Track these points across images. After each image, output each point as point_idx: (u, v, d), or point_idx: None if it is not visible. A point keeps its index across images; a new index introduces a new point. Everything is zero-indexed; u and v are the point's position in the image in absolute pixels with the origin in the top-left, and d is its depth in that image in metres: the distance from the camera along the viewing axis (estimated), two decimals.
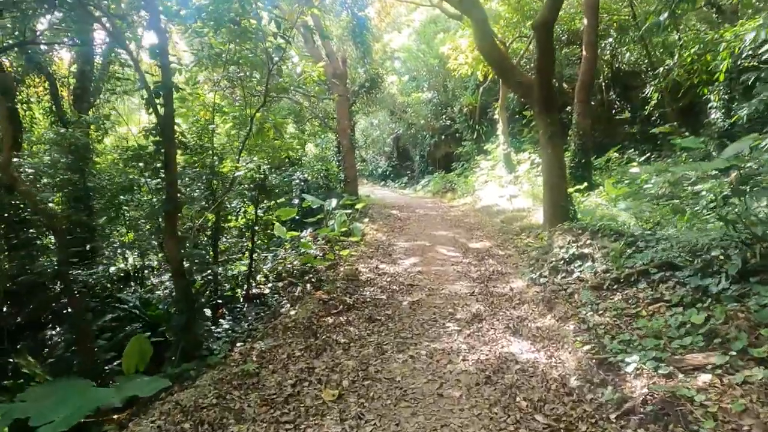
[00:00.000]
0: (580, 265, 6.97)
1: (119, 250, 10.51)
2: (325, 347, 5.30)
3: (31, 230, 9.59)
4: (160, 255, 9.54)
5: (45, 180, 9.97)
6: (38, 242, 9.97)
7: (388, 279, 8.21)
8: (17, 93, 11.64)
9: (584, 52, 13.31)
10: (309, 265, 9.16)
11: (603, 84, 18.77)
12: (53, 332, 5.83)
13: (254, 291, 8.41)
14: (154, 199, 7.10)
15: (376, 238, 11.93)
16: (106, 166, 10.73)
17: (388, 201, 19.66)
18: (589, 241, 7.29)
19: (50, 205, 11.17)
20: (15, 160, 9.22)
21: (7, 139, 4.36)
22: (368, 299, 7.12)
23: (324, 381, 4.48)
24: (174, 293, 5.39)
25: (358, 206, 13.80)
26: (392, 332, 5.73)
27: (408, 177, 28.23)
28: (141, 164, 6.80)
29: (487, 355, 4.87)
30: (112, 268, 11.06)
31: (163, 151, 5.03)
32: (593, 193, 12.54)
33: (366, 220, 14.03)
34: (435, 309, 6.55)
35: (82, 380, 3.08)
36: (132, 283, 10.27)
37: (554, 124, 9.65)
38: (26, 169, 9.25)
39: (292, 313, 6.52)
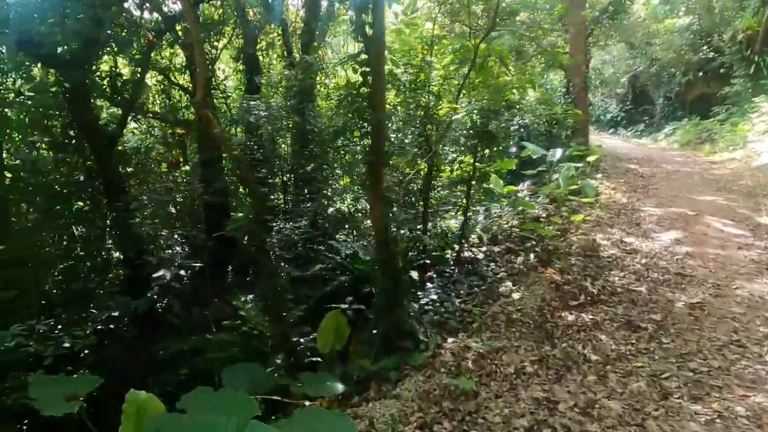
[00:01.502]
0: None
1: (335, 196, 10.42)
2: (568, 364, 3.68)
3: (263, 170, 10.02)
4: None
5: (273, 123, 10.26)
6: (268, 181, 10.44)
7: (643, 261, 5.98)
8: (258, 41, 12.16)
9: None
10: (531, 229, 7.43)
11: None
12: (245, 299, 5.52)
13: (466, 254, 7.12)
14: (366, 144, 6.18)
15: (615, 200, 9.41)
16: (326, 109, 10.58)
17: (621, 152, 16.15)
18: None
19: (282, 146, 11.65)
20: (252, 102, 9.55)
21: (202, 77, 3.78)
22: (619, 289, 5.14)
23: None
24: (375, 264, 4.36)
25: (590, 158, 11.21)
26: (671, 355, 3.76)
27: (645, 124, 23.15)
28: (351, 102, 5.90)
29: None
30: (330, 209, 11.10)
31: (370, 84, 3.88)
32: None
33: (599, 175, 11.40)
34: (734, 323, 4.26)
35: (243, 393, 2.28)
36: (346, 226, 9.98)
37: None
38: (260, 112, 9.48)
39: (516, 296, 5.00)
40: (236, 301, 5.99)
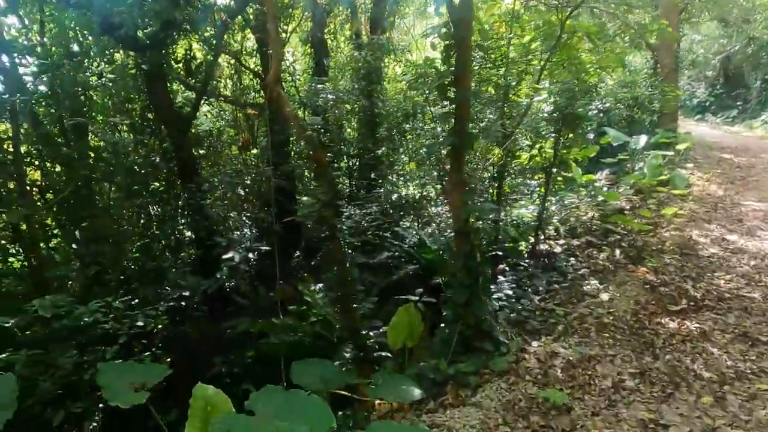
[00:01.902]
0: None
1: (400, 181, 10.13)
2: (675, 381, 3.17)
3: (329, 154, 9.89)
4: (438, 186, 8.60)
5: (341, 106, 10.08)
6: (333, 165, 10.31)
7: (752, 262, 5.22)
8: (326, 24, 11.98)
9: None
10: (615, 222, 6.75)
11: None
12: (313, 286, 5.33)
13: (541, 247, 6.59)
14: (438, 128, 5.80)
15: (710, 192, 8.43)
16: (393, 93, 10.25)
17: (711, 140, 14.63)
18: None
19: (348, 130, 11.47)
20: (320, 86, 9.40)
21: (276, 55, 3.56)
22: (727, 294, 4.48)
23: None
24: (446, 255, 4.02)
25: (680, 146, 10.14)
26: None
27: (738, 110, 20.88)
28: (426, 81, 5.51)
29: None
30: (394, 195, 10.84)
31: (453, 59, 3.49)
32: None
33: (689, 165, 10.32)
34: None
35: (316, 398, 2.06)
36: (411, 213, 9.66)
37: None
38: (327, 96, 9.31)
39: (605, 297, 4.47)
40: (303, 287, 5.87)
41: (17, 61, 6.39)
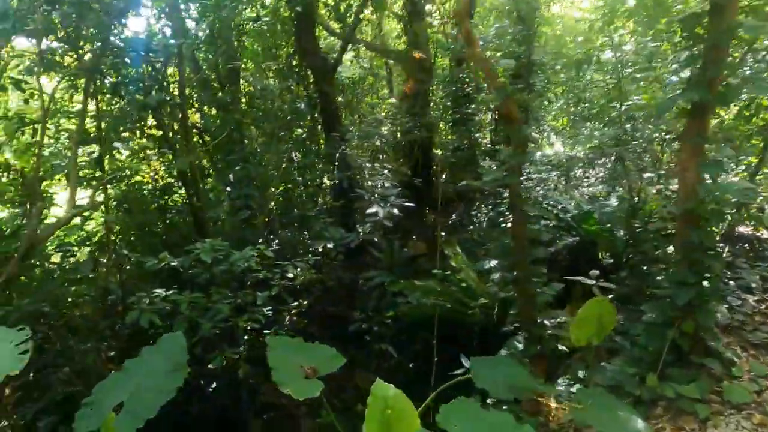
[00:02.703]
0: None
1: (550, 138, 9.01)
2: None
3: (472, 106, 9.05)
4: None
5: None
6: (474, 119, 9.46)
7: None
8: None
9: None
10: None
11: None
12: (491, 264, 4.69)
13: (741, 229, 5.27)
14: (673, 77, 4.66)
15: None
16: (553, 37, 8.94)
17: None
18: None
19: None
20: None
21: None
22: None
23: None
24: (675, 246, 3.13)
25: None
26: None
27: None
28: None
29: None
30: (538, 154, 9.77)
31: None
32: None
33: None
34: None
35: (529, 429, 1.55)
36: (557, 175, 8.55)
37: None
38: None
39: None
40: (449, 250, 5.38)
41: (181, 6, 6.49)
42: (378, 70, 10.41)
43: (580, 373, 2.96)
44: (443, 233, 8.25)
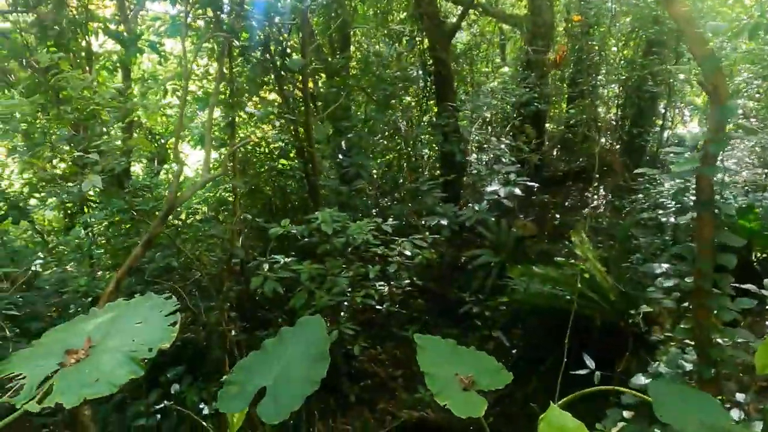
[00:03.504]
0: None
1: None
2: None
3: (598, 77, 8.10)
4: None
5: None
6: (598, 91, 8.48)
7: None
8: None
9: None
10: None
11: None
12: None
13: None
14: None
15: None
16: None
17: None
18: None
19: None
20: None
21: None
22: None
23: None
24: None
25: None
26: None
27: None
28: None
29: None
30: (666, 133, 8.67)
31: None
32: None
33: None
34: None
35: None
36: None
37: None
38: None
39: None
40: (576, 237, 4.82)
41: None
42: (492, 36, 9.64)
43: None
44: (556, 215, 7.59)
